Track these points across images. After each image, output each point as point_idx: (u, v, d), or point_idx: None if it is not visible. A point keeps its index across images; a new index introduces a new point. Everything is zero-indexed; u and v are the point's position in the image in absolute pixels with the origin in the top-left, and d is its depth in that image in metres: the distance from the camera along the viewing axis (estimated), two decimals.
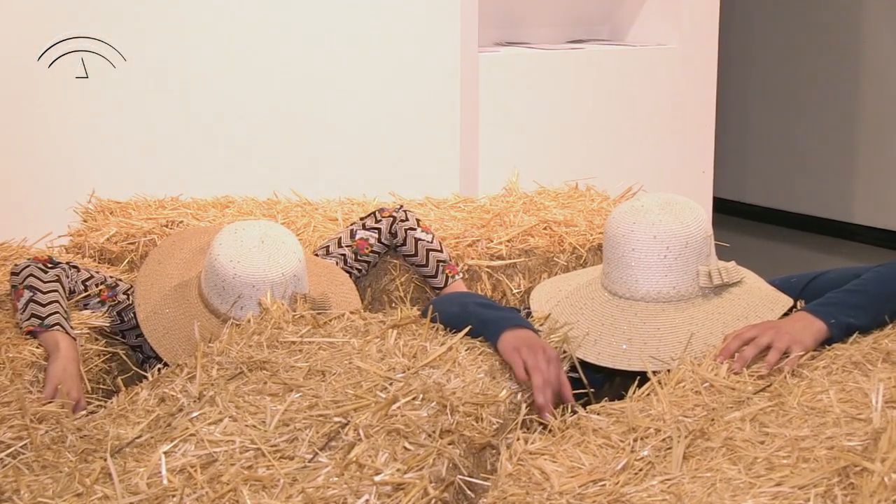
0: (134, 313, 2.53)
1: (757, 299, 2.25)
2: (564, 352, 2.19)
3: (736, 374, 1.95)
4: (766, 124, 6.84)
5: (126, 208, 3.14)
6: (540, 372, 2.02)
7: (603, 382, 2.29)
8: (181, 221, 3.02)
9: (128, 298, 2.57)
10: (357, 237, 2.84)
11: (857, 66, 6.33)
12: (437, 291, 2.83)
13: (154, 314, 2.49)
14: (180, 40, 3.94)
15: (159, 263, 2.60)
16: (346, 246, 2.82)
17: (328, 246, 2.83)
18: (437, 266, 2.82)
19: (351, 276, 2.76)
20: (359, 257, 2.81)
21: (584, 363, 2.20)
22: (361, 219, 2.90)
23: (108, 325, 2.54)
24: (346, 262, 2.79)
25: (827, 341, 2.05)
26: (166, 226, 2.99)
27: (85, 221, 3.10)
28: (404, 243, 2.85)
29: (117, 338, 2.59)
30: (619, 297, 2.26)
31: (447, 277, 2.82)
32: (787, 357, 1.97)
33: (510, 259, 2.94)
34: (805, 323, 2.05)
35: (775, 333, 2.01)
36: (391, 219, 2.86)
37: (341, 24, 4.13)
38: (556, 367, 2.05)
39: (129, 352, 2.65)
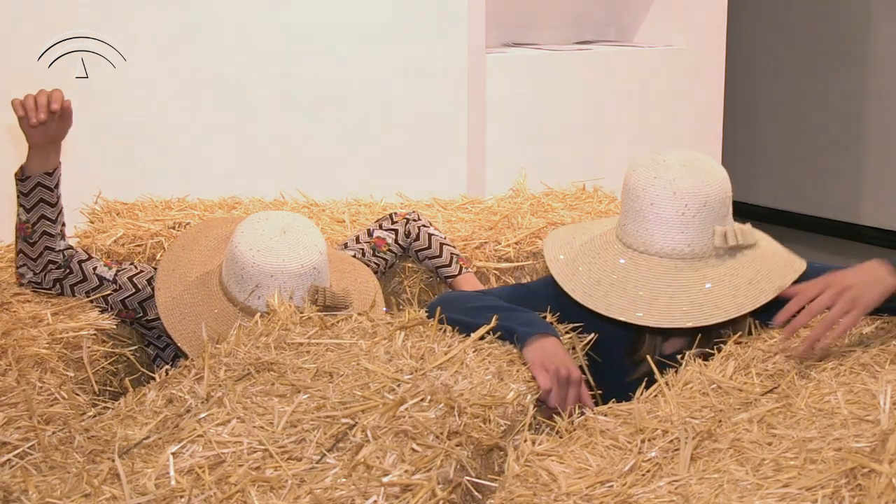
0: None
1: (771, 263, 2.23)
2: (573, 348, 2.19)
3: (804, 357, 1.96)
4: (774, 126, 6.83)
5: (133, 209, 3.14)
6: (562, 400, 2.05)
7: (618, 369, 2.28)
8: (188, 223, 3.02)
9: (152, 288, 2.60)
10: (375, 235, 2.88)
11: (865, 68, 6.32)
12: (450, 281, 2.84)
13: (174, 300, 2.50)
14: (180, 40, 3.94)
15: (183, 250, 2.62)
16: (365, 242, 2.86)
17: (346, 243, 2.86)
18: (451, 257, 2.85)
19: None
20: (377, 253, 2.84)
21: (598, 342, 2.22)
22: (377, 220, 2.94)
23: (115, 325, 2.56)
24: (364, 255, 2.82)
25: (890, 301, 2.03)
26: (173, 227, 2.99)
27: (91, 223, 3.11)
28: (418, 238, 2.88)
29: (125, 340, 2.60)
30: (633, 251, 2.23)
31: (461, 268, 2.84)
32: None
33: (518, 262, 2.93)
34: (874, 275, 2.02)
35: (840, 294, 1.98)
36: (406, 220, 2.90)
37: (348, 23, 4.13)
38: (576, 389, 2.07)
39: (143, 346, 2.67)
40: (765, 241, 2.31)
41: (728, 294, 2.14)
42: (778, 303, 2.16)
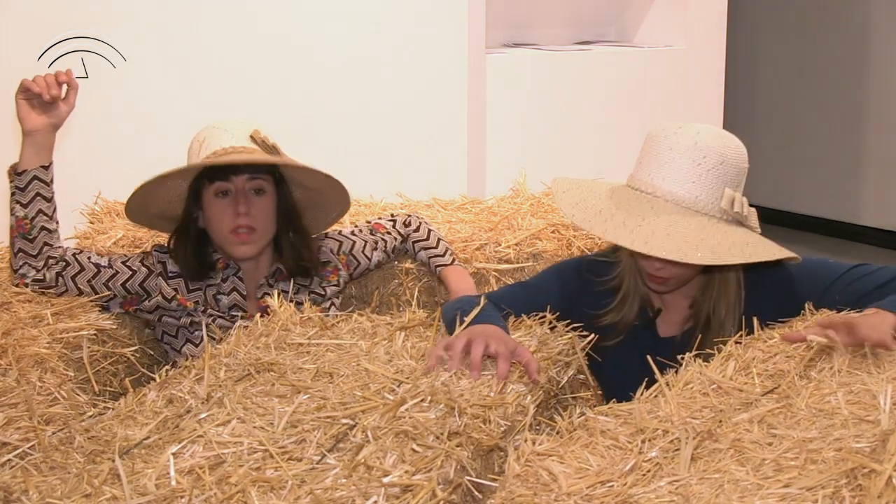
0: (156, 283, 2.63)
1: (762, 242, 2.23)
2: (574, 353, 2.19)
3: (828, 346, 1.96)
4: (773, 126, 6.83)
5: None
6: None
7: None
8: None
9: (146, 268, 2.64)
10: (373, 222, 2.93)
11: (864, 68, 6.32)
12: (439, 271, 2.86)
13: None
14: (180, 40, 3.94)
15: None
16: (363, 225, 2.91)
17: (341, 230, 2.89)
18: (446, 249, 2.88)
19: (367, 245, 2.83)
20: (374, 233, 2.87)
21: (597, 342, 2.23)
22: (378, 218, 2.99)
23: (115, 325, 2.56)
24: (361, 232, 2.86)
25: None
26: None
27: (91, 223, 3.10)
28: (417, 229, 2.92)
29: (125, 340, 2.61)
30: (640, 192, 2.24)
31: (453, 259, 2.87)
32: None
33: (518, 263, 2.93)
34: (879, 318, 2.03)
35: (861, 329, 1.99)
36: (408, 215, 2.96)
37: (348, 24, 4.14)
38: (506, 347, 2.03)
39: (149, 330, 2.71)
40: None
41: (725, 244, 2.14)
42: (776, 305, 2.17)
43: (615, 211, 2.22)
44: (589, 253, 2.90)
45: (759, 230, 2.27)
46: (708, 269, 2.33)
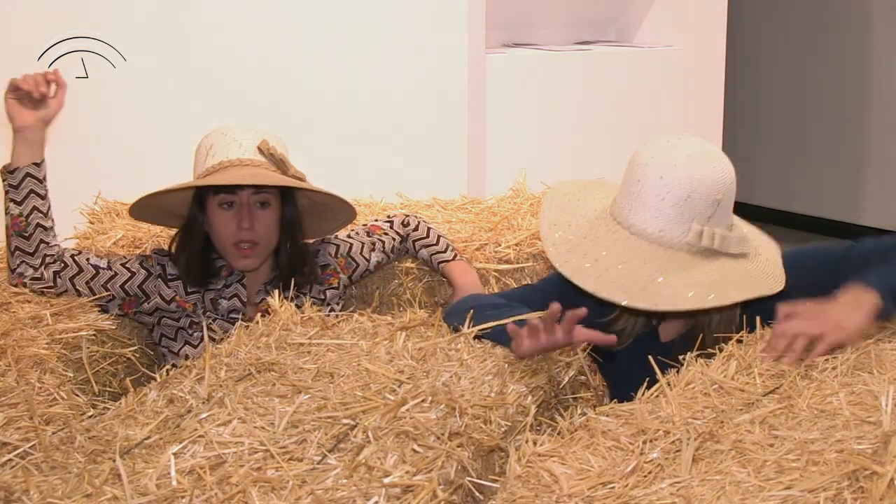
0: (155, 286, 2.63)
1: (738, 278, 2.22)
2: (575, 353, 2.19)
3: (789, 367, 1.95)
4: (774, 126, 6.83)
5: None
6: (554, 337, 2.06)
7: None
8: None
9: (145, 270, 2.64)
10: (369, 224, 2.91)
11: (865, 68, 6.32)
12: (442, 267, 2.84)
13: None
14: (180, 40, 3.94)
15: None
16: (360, 228, 2.89)
17: (337, 234, 2.88)
18: (447, 245, 2.87)
19: (364, 246, 2.82)
20: (371, 235, 2.86)
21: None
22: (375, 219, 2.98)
23: (114, 326, 2.56)
24: (357, 234, 2.86)
25: (882, 313, 2.05)
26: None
27: (91, 223, 3.10)
28: (417, 228, 2.90)
29: (124, 341, 2.61)
30: (613, 220, 2.27)
31: (455, 255, 2.85)
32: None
33: (518, 263, 2.93)
34: (854, 304, 2.03)
35: (823, 325, 1.99)
36: (406, 215, 2.94)
37: (348, 24, 4.13)
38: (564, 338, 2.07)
39: (147, 333, 2.70)
40: (761, 256, 2.31)
41: (677, 288, 2.15)
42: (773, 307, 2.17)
43: (582, 241, 2.26)
44: None
45: (738, 250, 2.26)
46: None
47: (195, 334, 2.62)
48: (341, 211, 2.76)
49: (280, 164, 2.58)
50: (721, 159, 2.26)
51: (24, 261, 2.54)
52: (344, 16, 4.13)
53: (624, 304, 2.16)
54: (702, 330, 2.33)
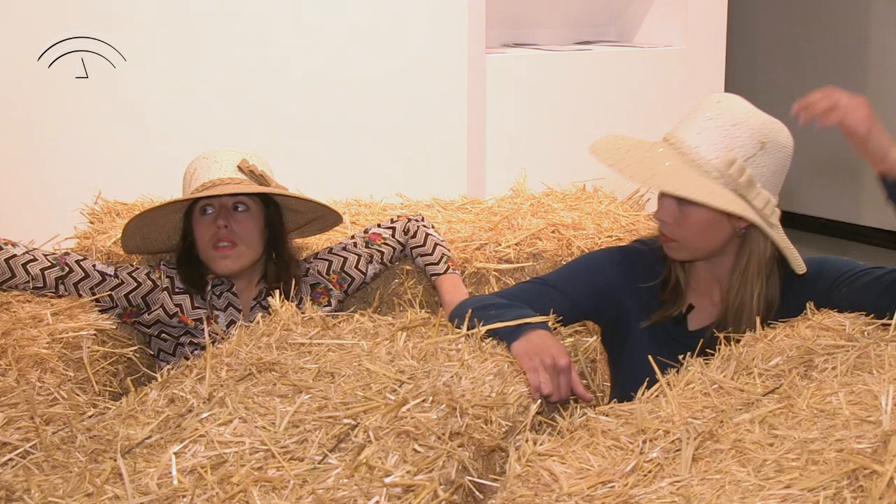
0: (159, 298, 2.66)
1: (751, 217, 2.26)
2: (577, 355, 2.19)
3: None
4: None
5: (133, 210, 3.12)
6: (555, 388, 2.05)
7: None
8: None
9: (152, 282, 2.66)
10: (370, 231, 2.90)
11: (864, 68, 6.32)
12: (434, 279, 2.84)
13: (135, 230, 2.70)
14: (180, 40, 3.94)
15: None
16: (359, 237, 2.89)
17: (332, 247, 2.87)
18: (442, 256, 2.85)
19: (360, 259, 2.82)
20: (369, 245, 2.85)
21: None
22: (379, 223, 2.96)
23: (115, 325, 2.57)
24: (355, 246, 2.84)
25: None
26: None
27: (91, 223, 3.10)
28: (415, 236, 2.89)
29: (125, 340, 2.61)
30: (661, 139, 2.30)
31: (448, 268, 2.83)
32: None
33: (518, 263, 2.93)
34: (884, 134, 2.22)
35: (851, 102, 2.25)
36: (407, 219, 2.92)
37: (348, 24, 4.13)
38: (566, 377, 2.06)
39: (145, 344, 2.69)
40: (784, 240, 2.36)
41: (680, 173, 2.18)
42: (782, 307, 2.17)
43: (629, 146, 2.28)
44: (587, 252, 2.86)
45: (770, 217, 2.29)
46: (736, 260, 2.33)
47: (194, 352, 2.63)
48: (328, 216, 2.81)
49: (260, 179, 2.64)
50: (787, 131, 2.36)
51: (16, 286, 2.56)
52: (344, 16, 4.13)
53: (618, 172, 2.20)
54: (731, 321, 2.32)
